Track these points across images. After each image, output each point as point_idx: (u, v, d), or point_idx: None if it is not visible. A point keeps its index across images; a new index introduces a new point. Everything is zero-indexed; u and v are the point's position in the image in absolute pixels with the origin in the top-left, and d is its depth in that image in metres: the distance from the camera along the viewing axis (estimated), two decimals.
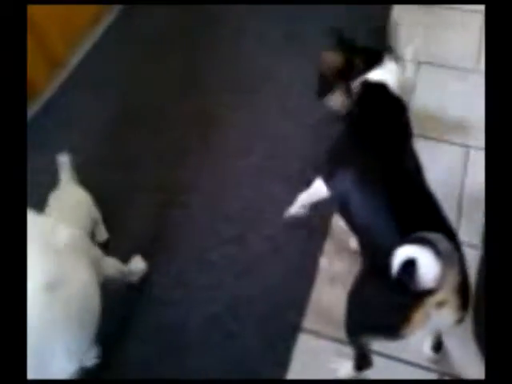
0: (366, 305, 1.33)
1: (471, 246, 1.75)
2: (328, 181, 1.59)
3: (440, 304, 1.19)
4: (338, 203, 1.51)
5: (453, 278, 1.13)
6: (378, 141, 1.45)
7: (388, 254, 1.12)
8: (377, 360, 1.56)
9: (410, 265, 1.08)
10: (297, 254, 1.88)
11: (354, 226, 1.44)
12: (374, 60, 1.61)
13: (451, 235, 1.24)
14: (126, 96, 2.47)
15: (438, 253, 1.05)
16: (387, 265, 1.13)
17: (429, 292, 1.12)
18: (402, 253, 1.10)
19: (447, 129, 2.22)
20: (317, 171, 1.68)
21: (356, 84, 1.61)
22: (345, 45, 1.65)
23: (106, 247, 1.92)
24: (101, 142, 2.29)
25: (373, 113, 1.54)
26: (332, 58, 1.65)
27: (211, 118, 2.34)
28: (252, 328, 1.74)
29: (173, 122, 2.34)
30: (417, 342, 1.63)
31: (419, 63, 2.47)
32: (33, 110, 2.43)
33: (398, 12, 2.72)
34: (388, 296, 1.21)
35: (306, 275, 1.83)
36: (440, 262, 1.05)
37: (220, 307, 1.78)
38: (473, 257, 1.59)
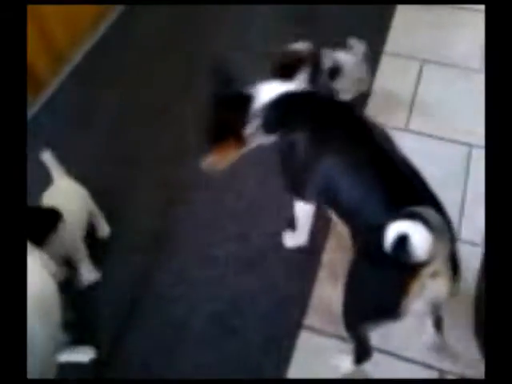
0: (362, 289, 1.34)
1: (474, 244, 1.75)
2: (302, 192, 1.59)
3: (434, 274, 1.24)
4: (324, 198, 1.51)
5: (444, 249, 1.18)
6: (349, 133, 1.46)
7: (382, 232, 1.14)
8: (379, 357, 1.57)
9: (402, 239, 1.11)
10: (299, 252, 1.89)
11: (346, 213, 1.44)
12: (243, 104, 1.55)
13: (438, 206, 1.28)
14: (128, 94, 2.48)
15: (429, 226, 1.09)
16: (380, 243, 1.15)
17: (423, 264, 1.16)
18: (395, 228, 1.12)
19: (451, 127, 2.22)
20: (291, 193, 1.68)
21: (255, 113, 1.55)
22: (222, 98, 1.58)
23: (107, 244, 1.94)
24: (103, 139, 2.30)
25: (323, 115, 1.51)
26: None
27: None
28: (254, 324, 1.74)
29: (176, 120, 2.34)
30: (418, 340, 1.63)
31: (424, 61, 2.48)
32: (35, 106, 2.43)
33: (403, 11, 2.73)
34: (383, 274, 1.24)
35: (308, 272, 1.84)
36: (432, 234, 1.09)
37: (222, 303, 1.79)
38: (475, 255, 1.59)
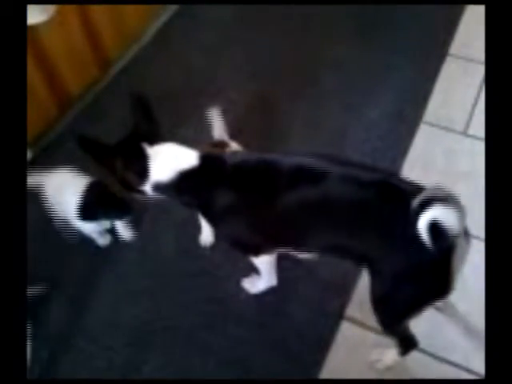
0: (409, 287, 1.32)
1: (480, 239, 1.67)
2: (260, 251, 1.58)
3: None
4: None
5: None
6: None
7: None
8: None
9: (434, 226, 1.13)
10: None
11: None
12: (137, 153, 1.41)
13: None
14: (179, 83, 2.48)
15: (448, 203, 1.12)
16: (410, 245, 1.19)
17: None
18: (423, 221, 1.14)
19: None
20: (250, 254, 1.63)
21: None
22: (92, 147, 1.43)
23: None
24: None
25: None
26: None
27: (271, 105, 2.37)
28: (297, 310, 1.77)
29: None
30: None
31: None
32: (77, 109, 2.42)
33: None
34: (424, 263, 1.24)
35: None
36: (455, 208, 1.12)
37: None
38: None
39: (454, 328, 1.69)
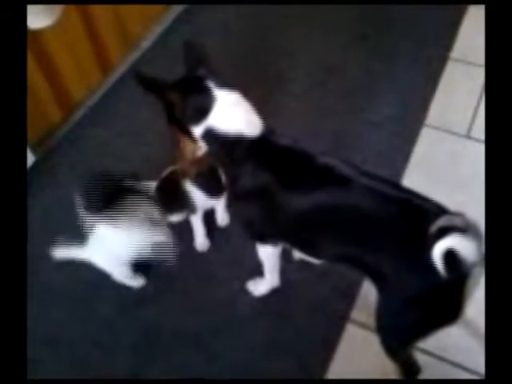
0: (415, 312, 1.29)
1: None
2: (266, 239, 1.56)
3: None
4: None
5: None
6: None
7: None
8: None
9: (449, 255, 1.10)
10: None
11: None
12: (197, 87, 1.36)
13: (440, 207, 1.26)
14: None
15: (467, 232, 1.08)
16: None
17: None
18: (438, 251, 1.11)
19: None
20: (256, 240, 1.60)
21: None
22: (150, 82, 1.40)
23: None
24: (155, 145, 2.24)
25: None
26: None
27: (273, 106, 2.37)
28: (302, 311, 1.77)
29: None
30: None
31: None
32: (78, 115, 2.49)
33: None
34: (437, 289, 1.21)
35: None
36: (473, 238, 1.08)
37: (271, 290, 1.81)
38: None
39: (458, 329, 1.68)
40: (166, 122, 1.46)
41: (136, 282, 1.83)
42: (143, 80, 1.39)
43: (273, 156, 1.37)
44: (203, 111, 1.35)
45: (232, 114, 1.36)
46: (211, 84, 1.36)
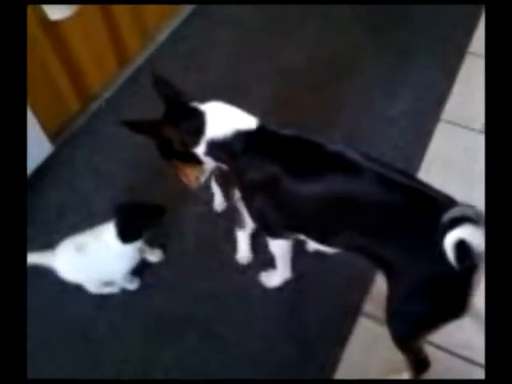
0: (423, 302, 1.30)
1: None
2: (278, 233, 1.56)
3: None
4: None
5: None
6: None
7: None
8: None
9: (460, 245, 1.11)
10: None
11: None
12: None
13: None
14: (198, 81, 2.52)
15: (477, 223, 1.09)
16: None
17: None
18: (450, 241, 1.11)
19: None
20: (269, 234, 1.61)
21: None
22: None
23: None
24: None
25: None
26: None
27: (292, 102, 2.38)
28: (315, 305, 1.78)
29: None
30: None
31: None
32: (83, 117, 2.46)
33: None
34: (445, 279, 1.22)
35: None
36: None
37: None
38: None
39: (471, 325, 1.68)
40: (164, 159, 1.52)
41: (132, 285, 1.85)
42: (132, 125, 1.43)
43: (278, 146, 1.40)
44: (199, 130, 1.40)
45: (223, 117, 1.41)
46: (194, 103, 1.43)
